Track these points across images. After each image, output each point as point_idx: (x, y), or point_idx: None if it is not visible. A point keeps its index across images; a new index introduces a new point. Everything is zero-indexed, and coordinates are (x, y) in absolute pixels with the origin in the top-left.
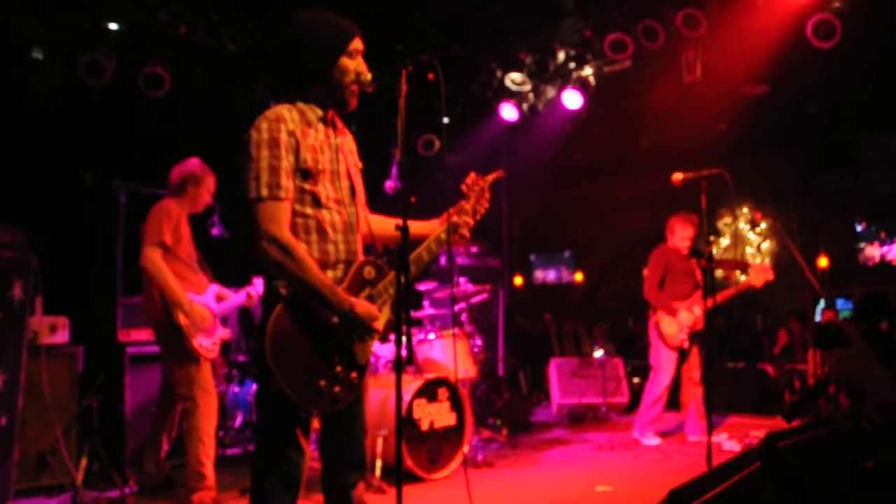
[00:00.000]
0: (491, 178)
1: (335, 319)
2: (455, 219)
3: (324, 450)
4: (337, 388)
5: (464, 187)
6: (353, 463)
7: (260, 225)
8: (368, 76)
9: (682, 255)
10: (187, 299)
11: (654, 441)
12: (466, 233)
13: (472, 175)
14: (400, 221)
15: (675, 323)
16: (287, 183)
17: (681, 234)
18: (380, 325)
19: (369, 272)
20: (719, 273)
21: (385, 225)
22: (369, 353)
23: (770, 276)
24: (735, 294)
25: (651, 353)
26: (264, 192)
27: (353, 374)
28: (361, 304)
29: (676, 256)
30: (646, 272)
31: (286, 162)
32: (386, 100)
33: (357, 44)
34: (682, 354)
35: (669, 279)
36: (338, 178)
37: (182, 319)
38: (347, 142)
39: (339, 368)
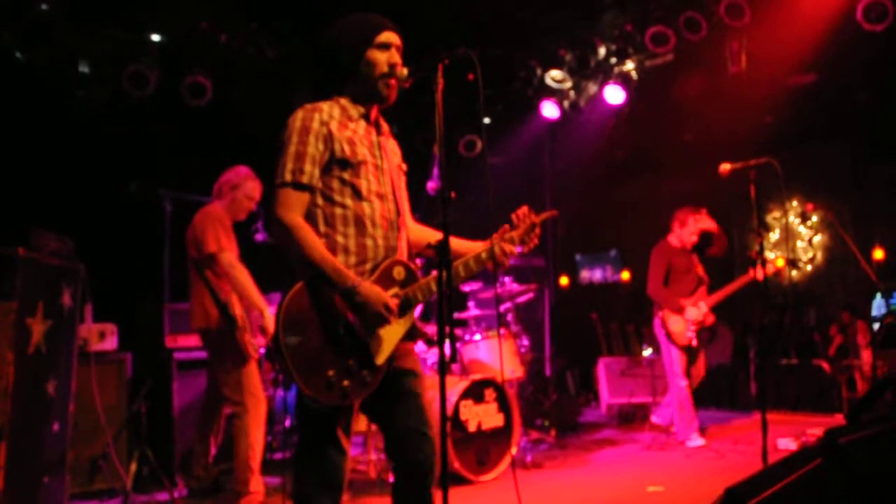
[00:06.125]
0: (544, 216)
1: (350, 313)
2: (500, 243)
3: (388, 453)
4: (346, 382)
5: (513, 217)
6: (418, 464)
7: (274, 209)
8: (405, 71)
9: (682, 250)
10: (265, 305)
11: (698, 442)
12: (507, 261)
13: (525, 208)
14: (439, 235)
15: (682, 321)
16: (312, 169)
17: (691, 229)
18: (393, 315)
19: (399, 272)
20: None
21: (425, 235)
22: (388, 352)
23: (779, 262)
24: (737, 289)
25: (662, 354)
26: (287, 176)
27: (366, 372)
28: (367, 285)
29: (677, 252)
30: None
31: (313, 148)
32: (427, 102)
33: (387, 36)
34: (691, 354)
35: (673, 276)
36: (381, 173)
37: (237, 310)
38: (391, 144)
39: (350, 361)
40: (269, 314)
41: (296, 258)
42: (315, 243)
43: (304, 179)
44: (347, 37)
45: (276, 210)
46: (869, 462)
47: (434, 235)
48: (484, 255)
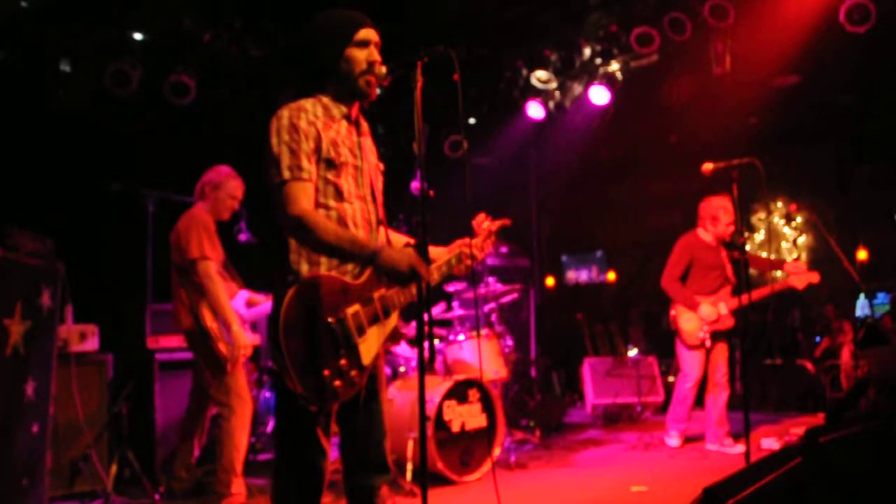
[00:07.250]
0: (498, 224)
1: (348, 310)
2: (463, 250)
3: (344, 453)
4: (337, 382)
5: (474, 223)
6: (373, 465)
7: (285, 209)
8: (383, 69)
9: (712, 246)
10: (237, 321)
11: (674, 441)
12: (469, 263)
13: (482, 215)
14: (409, 240)
15: (695, 319)
16: (308, 165)
17: (725, 220)
18: (424, 273)
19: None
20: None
21: (396, 240)
22: (373, 353)
23: (815, 278)
24: (772, 293)
25: (676, 350)
26: (286, 174)
27: (354, 372)
28: (387, 250)
29: (705, 247)
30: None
31: (305, 146)
32: (411, 102)
33: (366, 34)
34: (709, 352)
35: (695, 272)
36: (360, 174)
37: (209, 322)
38: (368, 143)
39: (343, 361)
40: (237, 329)
41: (312, 246)
42: (326, 224)
43: (304, 176)
44: (326, 34)
45: (283, 210)
46: (848, 461)
47: (400, 240)
48: (454, 261)
